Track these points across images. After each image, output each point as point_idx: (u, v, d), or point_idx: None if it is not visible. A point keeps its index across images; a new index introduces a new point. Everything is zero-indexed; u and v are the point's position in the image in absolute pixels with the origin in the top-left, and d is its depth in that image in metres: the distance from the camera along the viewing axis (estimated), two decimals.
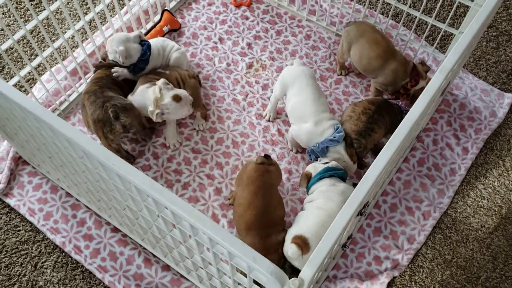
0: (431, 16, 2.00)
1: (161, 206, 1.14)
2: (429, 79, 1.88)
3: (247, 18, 2.25)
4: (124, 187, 1.18)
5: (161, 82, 1.74)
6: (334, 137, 1.68)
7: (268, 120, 1.99)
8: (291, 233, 1.52)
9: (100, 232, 1.75)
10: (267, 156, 1.65)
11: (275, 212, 1.60)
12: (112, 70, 1.87)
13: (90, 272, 1.70)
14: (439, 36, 1.98)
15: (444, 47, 2.18)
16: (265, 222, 1.57)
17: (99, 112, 1.70)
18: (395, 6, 2.21)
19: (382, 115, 1.77)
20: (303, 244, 1.46)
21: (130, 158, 1.87)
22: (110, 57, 1.88)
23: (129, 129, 1.77)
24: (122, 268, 1.69)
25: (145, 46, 1.88)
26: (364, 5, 2.07)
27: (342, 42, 1.97)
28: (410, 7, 2.14)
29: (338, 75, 2.10)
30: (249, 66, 2.14)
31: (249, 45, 2.19)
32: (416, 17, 1.95)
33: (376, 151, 1.89)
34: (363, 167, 1.85)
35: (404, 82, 1.86)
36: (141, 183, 1.05)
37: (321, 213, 1.52)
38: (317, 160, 1.73)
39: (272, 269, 0.95)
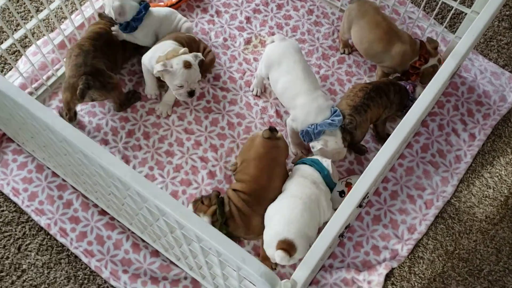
0: None
1: (145, 197, 1.05)
2: (439, 56, 1.78)
3: None
4: (106, 175, 1.10)
5: (184, 49, 1.70)
6: (333, 120, 1.59)
7: (256, 95, 1.89)
8: (271, 234, 1.41)
9: (87, 214, 1.68)
10: (272, 129, 1.58)
11: (279, 191, 1.54)
12: (113, 28, 1.83)
13: (76, 256, 1.63)
14: (450, 14, 1.86)
15: (453, 26, 2.06)
16: (267, 200, 1.51)
17: (76, 80, 1.67)
18: None
19: (380, 95, 1.67)
20: (289, 248, 1.36)
21: (73, 119, 1.81)
22: (106, 10, 1.82)
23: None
24: (110, 253, 1.62)
25: (142, 6, 1.80)
26: None
27: (344, 20, 1.86)
28: None
29: (341, 53, 1.99)
30: (247, 41, 2.02)
31: (247, 19, 2.07)
32: None
33: (378, 138, 1.80)
34: (363, 152, 1.77)
35: (412, 62, 1.76)
36: (123, 175, 0.96)
37: (297, 203, 1.43)
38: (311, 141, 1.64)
39: (263, 271, 0.88)
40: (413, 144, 1.81)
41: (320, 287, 1.59)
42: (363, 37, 1.79)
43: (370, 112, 1.65)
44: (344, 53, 1.98)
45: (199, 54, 1.72)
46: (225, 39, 2.03)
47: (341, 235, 1.54)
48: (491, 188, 1.76)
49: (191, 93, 1.72)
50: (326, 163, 1.54)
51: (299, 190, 1.46)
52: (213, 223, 1.49)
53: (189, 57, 1.68)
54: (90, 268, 1.61)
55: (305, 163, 1.55)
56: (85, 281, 1.60)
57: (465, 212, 1.72)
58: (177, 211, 0.91)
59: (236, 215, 1.49)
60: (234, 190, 1.53)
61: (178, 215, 0.91)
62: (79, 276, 1.61)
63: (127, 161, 1.79)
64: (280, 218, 1.41)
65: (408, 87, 1.73)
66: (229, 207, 1.51)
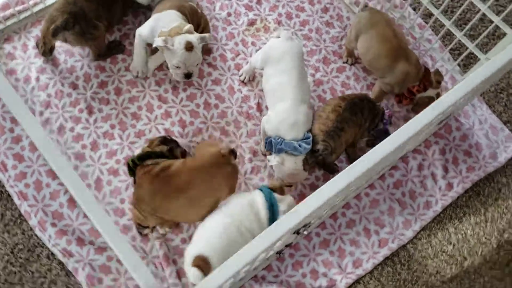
0: (462, 28, 1.73)
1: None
2: (440, 90, 1.68)
3: None
4: None
5: (189, 26, 1.56)
6: (300, 146, 1.49)
7: (243, 82, 1.78)
8: (190, 248, 1.34)
9: (32, 155, 1.60)
10: (234, 152, 1.45)
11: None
12: None
13: (10, 195, 1.56)
14: (463, 55, 1.73)
15: (468, 66, 1.92)
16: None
17: (58, 15, 1.58)
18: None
19: (355, 113, 1.56)
20: (204, 265, 1.28)
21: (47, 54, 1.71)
22: None
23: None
24: (44, 201, 1.55)
25: None
26: None
27: (352, 28, 1.73)
28: (444, 12, 1.89)
29: (343, 62, 1.86)
30: (251, 23, 1.90)
31: None
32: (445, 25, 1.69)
33: (350, 160, 1.70)
34: (333, 171, 1.67)
35: (411, 85, 1.65)
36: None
37: (228, 225, 1.34)
38: (270, 154, 1.54)
39: (151, 285, 0.79)
40: (387, 177, 1.71)
41: None
42: (370, 48, 1.68)
43: (345, 135, 1.55)
44: (346, 62, 1.86)
45: (207, 35, 1.59)
46: (229, 14, 1.90)
47: (278, 252, 1.46)
48: (452, 244, 1.66)
49: (187, 75, 1.62)
50: (283, 208, 1.39)
51: (237, 213, 1.36)
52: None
53: (193, 37, 1.55)
54: (19, 211, 1.54)
55: (263, 193, 1.41)
56: (11, 223, 1.53)
57: (417, 262, 1.63)
58: (83, 201, 0.82)
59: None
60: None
61: (84, 205, 0.82)
62: (6, 216, 1.54)
63: (90, 111, 1.70)
64: (204, 233, 1.34)
65: (386, 111, 1.63)
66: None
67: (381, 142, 0.95)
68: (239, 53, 1.84)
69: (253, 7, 1.92)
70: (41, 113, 1.68)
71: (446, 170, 1.74)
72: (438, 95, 1.67)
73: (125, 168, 1.61)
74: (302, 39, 1.88)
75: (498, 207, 1.73)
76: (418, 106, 1.68)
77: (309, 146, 1.50)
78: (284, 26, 1.89)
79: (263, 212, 1.36)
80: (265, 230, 0.85)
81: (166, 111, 1.72)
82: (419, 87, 1.65)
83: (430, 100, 1.61)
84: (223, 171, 1.42)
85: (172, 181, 1.39)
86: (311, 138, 1.52)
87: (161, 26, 1.58)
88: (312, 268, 1.58)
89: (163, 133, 1.68)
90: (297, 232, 1.19)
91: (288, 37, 1.61)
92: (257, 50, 1.82)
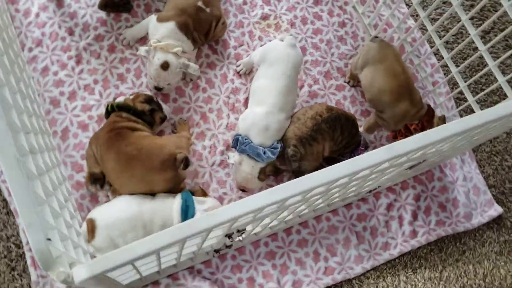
0: (472, 75, 1.66)
1: None
2: None
3: None
4: None
5: (177, 49, 1.55)
6: (264, 153, 1.44)
7: (238, 73, 1.74)
8: (95, 211, 1.38)
9: None
10: (185, 161, 1.43)
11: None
12: None
13: None
14: (463, 106, 1.67)
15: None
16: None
17: None
18: (447, 45, 1.88)
19: (333, 128, 1.50)
20: (90, 230, 1.31)
21: None
22: None
23: None
24: None
25: None
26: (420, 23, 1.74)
27: (359, 56, 1.65)
28: (456, 56, 1.83)
29: (345, 81, 1.81)
30: (264, 17, 1.85)
31: None
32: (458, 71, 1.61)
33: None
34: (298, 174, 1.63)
35: (409, 123, 1.59)
36: None
37: (133, 209, 1.35)
38: (235, 149, 1.50)
39: (38, 248, 0.75)
40: (353, 207, 1.66)
41: (176, 285, 1.48)
42: (374, 81, 1.60)
43: (317, 146, 1.49)
44: (348, 83, 1.80)
45: (192, 66, 1.57)
46: (244, 2, 1.85)
47: (217, 251, 1.42)
48: None
49: (157, 88, 1.61)
50: (204, 207, 1.39)
51: (148, 208, 1.37)
52: None
53: (175, 61, 1.53)
54: None
55: (181, 196, 1.40)
56: None
57: None
58: None
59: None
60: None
61: None
62: None
63: (78, 61, 1.67)
64: (112, 207, 1.37)
65: (361, 148, 1.59)
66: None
67: (330, 167, 0.89)
68: (243, 44, 1.79)
69: (270, 2, 1.87)
70: (30, 49, 1.66)
71: (415, 217, 1.68)
72: None
73: (95, 125, 1.59)
74: (310, 47, 1.83)
75: (457, 268, 1.66)
76: None
77: (273, 157, 1.44)
78: (296, 30, 1.84)
79: (175, 217, 1.37)
80: (175, 226, 0.81)
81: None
82: (417, 125, 1.57)
83: None
84: (165, 173, 1.41)
85: (124, 144, 1.38)
86: (278, 150, 1.46)
87: (158, 36, 1.56)
88: (250, 276, 1.54)
89: None
90: (229, 236, 1.15)
91: (291, 43, 1.55)
92: (261, 46, 1.78)
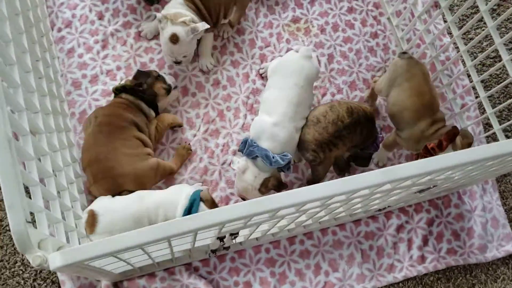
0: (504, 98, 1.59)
1: None
2: None
3: None
4: None
5: (184, 18, 1.50)
6: (273, 157, 1.39)
7: (261, 75, 1.71)
8: (98, 200, 1.37)
9: None
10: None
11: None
12: None
13: None
14: (488, 133, 1.59)
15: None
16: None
17: None
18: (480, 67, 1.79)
19: (354, 131, 1.45)
20: (91, 223, 1.28)
21: None
22: None
23: None
24: None
25: None
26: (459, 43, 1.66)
27: (386, 75, 1.57)
28: (490, 81, 1.75)
29: (364, 100, 1.74)
30: (295, 20, 1.81)
31: (312, 0, 1.85)
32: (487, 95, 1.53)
33: (338, 170, 1.64)
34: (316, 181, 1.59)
35: (428, 143, 1.50)
36: None
37: (136, 204, 1.33)
38: (241, 152, 1.46)
39: (16, 230, 0.75)
40: (361, 224, 1.61)
41: (172, 279, 1.47)
42: (399, 100, 1.52)
43: (337, 151, 1.46)
44: (367, 101, 1.73)
45: (198, 25, 1.49)
46: (276, 3, 1.82)
47: (213, 251, 1.40)
48: None
49: (176, 62, 1.59)
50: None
51: (152, 198, 1.35)
52: None
53: (182, 30, 1.48)
54: None
55: (190, 197, 1.36)
56: None
57: None
58: None
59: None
60: None
61: None
62: None
63: (104, 46, 1.69)
64: (113, 201, 1.35)
65: (380, 136, 1.55)
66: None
67: (325, 183, 0.85)
68: (269, 45, 1.77)
69: (303, 5, 1.83)
70: (59, 30, 1.68)
71: (425, 242, 1.62)
72: None
73: None
74: (338, 55, 1.78)
75: None
76: None
77: (283, 163, 1.40)
78: (326, 36, 1.80)
79: (179, 214, 1.33)
80: (158, 224, 0.79)
81: (175, 73, 1.68)
82: (435, 144, 1.50)
83: None
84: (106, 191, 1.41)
85: (105, 149, 1.40)
86: (288, 158, 1.41)
87: (168, 10, 1.54)
88: (247, 280, 1.51)
89: None
90: (220, 239, 1.13)
91: (306, 55, 1.50)
92: (288, 49, 1.75)
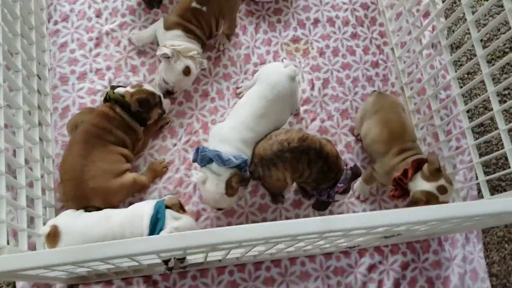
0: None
1: None
2: (444, 185, 1.36)
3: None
4: None
5: (194, 53, 1.54)
6: (228, 158, 1.34)
7: (239, 96, 1.67)
8: (61, 216, 1.33)
9: None
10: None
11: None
12: None
13: None
14: (474, 182, 1.51)
15: (496, 190, 1.67)
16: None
17: None
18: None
19: (297, 159, 1.37)
20: (52, 238, 1.27)
21: None
22: None
23: None
24: None
25: None
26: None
27: (359, 112, 1.61)
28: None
29: (353, 134, 1.68)
30: (295, 40, 1.77)
31: (316, 22, 1.80)
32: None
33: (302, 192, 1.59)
34: (276, 201, 1.57)
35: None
36: None
37: (101, 224, 1.29)
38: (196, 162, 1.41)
39: None
40: (333, 258, 1.54)
41: None
42: (369, 133, 1.52)
43: (276, 171, 1.39)
44: (356, 136, 1.68)
45: (204, 62, 1.57)
46: (279, 20, 1.78)
47: (169, 269, 1.36)
48: None
49: (168, 92, 1.59)
50: (176, 224, 1.29)
51: (118, 218, 1.32)
52: None
53: (193, 65, 1.54)
54: None
55: (154, 207, 1.33)
56: None
57: None
58: None
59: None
60: None
61: None
62: None
63: (97, 44, 1.68)
64: (76, 219, 1.33)
65: (340, 185, 1.41)
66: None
67: (272, 223, 0.81)
68: (265, 62, 1.72)
69: (306, 26, 1.79)
70: (56, 23, 1.68)
71: (397, 285, 1.54)
72: (441, 190, 1.36)
73: None
74: (334, 81, 1.73)
75: None
76: (412, 203, 1.40)
77: (236, 162, 1.34)
78: (325, 60, 1.75)
79: (145, 226, 1.29)
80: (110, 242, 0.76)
81: None
82: (401, 175, 1.40)
83: (427, 196, 1.36)
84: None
85: (88, 160, 1.39)
86: (243, 159, 1.36)
87: (169, 42, 1.54)
88: None
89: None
90: (165, 262, 1.09)
91: (289, 74, 1.45)
92: None
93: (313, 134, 1.46)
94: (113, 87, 1.50)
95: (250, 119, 1.41)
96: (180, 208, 1.37)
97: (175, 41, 1.53)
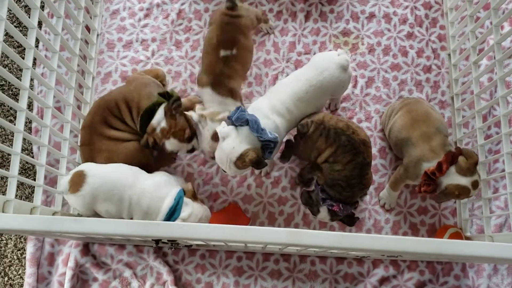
0: None
1: None
2: (477, 178, 1.32)
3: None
4: None
5: (222, 116, 1.41)
6: (264, 129, 1.28)
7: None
8: (87, 165, 1.35)
9: None
10: None
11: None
12: None
13: None
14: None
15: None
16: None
17: None
18: None
19: (345, 149, 1.30)
20: (76, 182, 1.29)
21: None
22: None
23: None
24: None
25: None
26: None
27: (385, 113, 1.58)
28: None
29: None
30: (345, 32, 1.70)
31: (371, 16, 1.71)
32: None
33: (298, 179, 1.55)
34: (284, 158, 1.53)
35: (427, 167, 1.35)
36: None
37: (129, 180, 1.31)
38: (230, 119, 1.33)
39: None
40: (345, 263, 1.50)
41: (138, 257, 1.49)
42: (393, 126, 1.48)
43: (323, 142, 1.33)
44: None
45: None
46: (331, 11, 1.71)
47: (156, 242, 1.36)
48: None
49: (190, 151, 1.46)
50: (185, 212, 1.30)
51: (144, 183, 1.33)
52: None
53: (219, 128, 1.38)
54: None
55: (177, 194, 1.32)
56: None
57: None
58: None
59: None
60: None
61: None
62: None
63: (147, 14, 1.70)
64: (108, 170, 1.34)
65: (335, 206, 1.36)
66: None
67: (246, 228, 0.79)
68: (309, 52, 1.67)
69: (359, 20, 1.70)
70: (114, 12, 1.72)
71: None
72: (475, 185, 1.30)
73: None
74: (380, 81, 1.64)
75: None
76: (443, 196, 1.34)
77: (270, 137, 1.28)
78: (373, 58, 1.66)
79: (163, 211, 1.30)
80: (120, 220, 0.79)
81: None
82: (436, 168, 1.32)
83: (461, 190, 1.30)
84: None
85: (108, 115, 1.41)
86: (276, 138, 1.30)
87: (204, 102, 1.46)
88: (209, 281, 1.50)
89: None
90: (156, 242, 1.11)
91: (340, 63, 1.37)
92: None
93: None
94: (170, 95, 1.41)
95: (290, 100, 1.36)
96: (193, 196, 1.36)
97: (207, 101, 1.44)
